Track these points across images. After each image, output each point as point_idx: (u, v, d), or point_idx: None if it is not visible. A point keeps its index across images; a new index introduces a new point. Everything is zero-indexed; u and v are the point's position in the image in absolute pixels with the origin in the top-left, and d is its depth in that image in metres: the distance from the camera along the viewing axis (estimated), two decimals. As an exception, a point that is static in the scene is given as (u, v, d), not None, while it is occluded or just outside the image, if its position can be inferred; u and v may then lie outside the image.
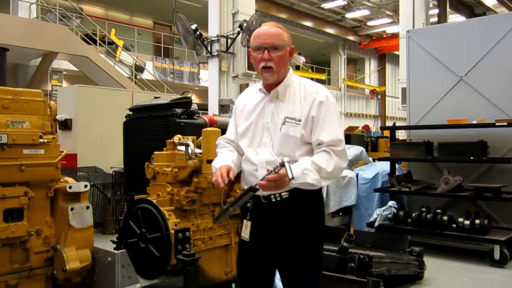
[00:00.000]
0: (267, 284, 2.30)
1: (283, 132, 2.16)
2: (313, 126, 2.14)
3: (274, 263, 2.26)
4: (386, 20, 23.51)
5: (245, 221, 2.23)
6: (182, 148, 3.01)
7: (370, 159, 8.32)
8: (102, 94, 7.92)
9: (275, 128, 2.19)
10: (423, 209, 5.54)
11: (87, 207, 3.35)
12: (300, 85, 2.23)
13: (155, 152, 3.10)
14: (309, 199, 2.18)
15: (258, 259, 2.25)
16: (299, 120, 2.15)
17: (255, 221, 2.21)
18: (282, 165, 1.96)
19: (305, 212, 2.19)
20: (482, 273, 4.79)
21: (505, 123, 5.30)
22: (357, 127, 16.41)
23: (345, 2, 21.17)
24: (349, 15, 22.99)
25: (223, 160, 2.24)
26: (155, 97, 5.99)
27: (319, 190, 2.23)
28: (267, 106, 2.24)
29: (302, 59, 24.20)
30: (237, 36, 9.80)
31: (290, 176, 1.95)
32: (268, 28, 2.23)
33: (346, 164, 2.15)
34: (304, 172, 2.03)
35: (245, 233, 2.22)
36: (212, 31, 9.99)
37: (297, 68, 23.58)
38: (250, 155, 2.24)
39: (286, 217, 2.17)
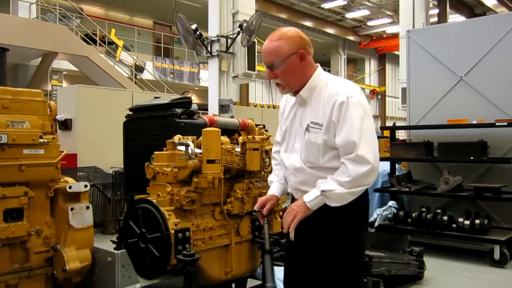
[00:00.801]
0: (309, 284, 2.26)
1: (306, 138, 2.12)
2: (336, 130, 2.04)
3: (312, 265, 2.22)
4: (386, 20, 23.51)
5: None
6: (182, 148, 3.01)
7: (370, 159, 8.32)
8: (102, 94, 7.93)
9: (302, 134, 2.15)
10: (423, 209, 5.54)
11: (87, 207, 3.35)
12: (326, 86, 2.12)
13: (155, 152, 3.10)
14: (342, 207, 2.07)
15: (300, 259, 2.24)
16: (322, 125, 2.07)
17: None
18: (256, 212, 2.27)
19: (337, 218, 2.12)
20: (482, 273, 4.79)
21: (505, 123, 5.30)
22: (357, 127, 16.42)
23: (345, 2, 21.17)
24: (349, 15, 22.99)
25: (272, 189, 2.37)
26: (155, 97, 5.99)
27: (359, 199, 2.11)
28: (298, 110, 2.21)
29: None
30: (237, 36, 9.79)
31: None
32: (267, 44, 2.13)
33: (366, 168, 1.97)
34: (321, 199, 2.03)
35: (291, 233, 2.22)
36: (212, 31, 9.98)
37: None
38: (284, 159, 2.29)
39: (318, 221, 2.13)
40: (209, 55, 9.95)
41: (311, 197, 2.05)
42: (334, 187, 2.00)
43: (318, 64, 2.21)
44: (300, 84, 2.13)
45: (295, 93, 2.19)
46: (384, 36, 25.92)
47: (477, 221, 5.15)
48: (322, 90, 2.11)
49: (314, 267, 2.19)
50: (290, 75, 2.11)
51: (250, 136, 3.36)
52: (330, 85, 2.10)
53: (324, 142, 2.06)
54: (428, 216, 5.39)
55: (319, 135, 2.07)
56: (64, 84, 12.92)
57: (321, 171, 2.09)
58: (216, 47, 9.87)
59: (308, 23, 22.46)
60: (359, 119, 2.00)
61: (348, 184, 1.98)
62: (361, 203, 2.16)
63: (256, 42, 10.18)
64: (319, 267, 2.17)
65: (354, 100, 2.02)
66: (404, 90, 8.98)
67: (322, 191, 2.02)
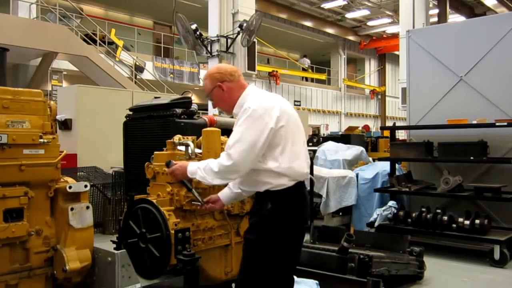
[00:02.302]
0: None
1: None
2: None
3: None
4: (386, 20, 23.52)
5: None
6: (182, 148, 3.01)
7: (370, 159, 8.32)
8: (102, 94, 7.92)
9: None
10: (423, 209, 5.54)
11: (87, 207, 3.35)
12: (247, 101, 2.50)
13: (155, 152, 3.09)
14: (263, 200, 2.42)
15: None
16: None
17: None
18: (168, 164, 2.67)
19: (256, 211, 2.47)
20: (482, 273, 4.79)
21: (505, 123, 5.30)
22: (357, 127, 16.43)
23: (345, 2, 21.17)
24: (349, 15, 23.00)
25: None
26: (155, 97, 5.99)
27: (280, 195, 2.39)
28: None
29: (307, 62, 24.34)
30: (237, 36, 9.81)
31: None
32: None
33: (229, 163, 2.34)
34: (197, 169, 2.48)
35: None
36: (212, 31, 10.00)
37: (303, 69, 23.86)
38: None
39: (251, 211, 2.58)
40: (209, 55, 9.97)
41: (191, 167, 2.53)
42: (202, 173, 2.46)
43: (251, 84, 2.62)
44: (229, 106, 2.57)
45: None
46: (384, 36, 25.92)
47: (477, 221, 5.15)
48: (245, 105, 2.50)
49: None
50: (219, 102, 2.62)
51: (250, 136, 3.35)
52: (248, 100, 2.47)
53: None
54: (428, 216, 5.39)
55: None
56: (64, 84, 12.91)
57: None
58: (216, 47, 9.88)
59: (308, 23, 22.47)
60: (242, 126, 2.36)
61: (215, 171, 2.41)
62: (270, 211, 2.40)
63: (256, 42, 10.19)
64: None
65: (248, 111, 2.37)
66: (404, 90, 8.98)
67: (198, 166, 2.50)
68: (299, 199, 2.46)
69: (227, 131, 3.96)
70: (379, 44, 26.33)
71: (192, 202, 2.85)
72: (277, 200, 2.40)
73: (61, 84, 12.60)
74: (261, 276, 2.41)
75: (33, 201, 3.16)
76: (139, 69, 15.60)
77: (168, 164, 2.70)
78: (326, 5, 21.53)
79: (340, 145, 8.10)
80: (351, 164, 7.51)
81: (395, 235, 4.82)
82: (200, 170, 2.47)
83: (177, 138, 3.07)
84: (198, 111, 5.08)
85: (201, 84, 17.28)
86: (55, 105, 4.11)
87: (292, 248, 2.49)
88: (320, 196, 6.20)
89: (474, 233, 5.14)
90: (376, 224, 5.77)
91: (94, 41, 13.97)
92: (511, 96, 5.65)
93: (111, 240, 3.33)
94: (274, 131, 2.36)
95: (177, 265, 2.71)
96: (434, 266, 4.82)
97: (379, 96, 28.08)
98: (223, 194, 2.78)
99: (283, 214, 2.40)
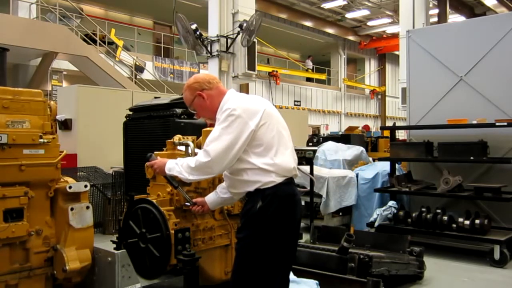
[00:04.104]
0: None
1: None
2: None
3: None
4: (386, 20, 23.51)
5: None
6: (182, 148, 3.02)
7: (370, 159, 8.33)
8: (102, 94, 7.92)
9: None
10: (423, 209, 5.54)
11: (87, 207, 3.35)
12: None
13: (155, 152, 3.10)
14: (254, 199, 2.41)
15: None
16: None
17: None
18: (148, 157, 2.70)
19: (247, 211, 2.44)
20: (482, 273, 4.79)
21: (505, 123, 5.30)
22: (357, 127, 16.44)
23: (345, 2, 21.17)
24: (349, 15, 22.99)
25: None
26: (155, 97, 6.00)
27: (272, 196, 2.37)
28: None
29: (310, 63, 24.38)
30: (237, 36, 9.81)
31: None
32: None
33: (207, 159, 2.35)
34: (174, 165, 2.48)
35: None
36: (212, 31, 10.00)
37: (307, 70, 23.94)
38: None
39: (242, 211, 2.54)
40: (209, 55, 9.97)
41: (169, 163, 2.54)
42: (179, 169, 2.47)
43: (231, 89, 2.62)
44: (212, 113, 2.55)
45: None
46: (384, 36, 25.92)
47: (477, 221, 5.15)
48: None
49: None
50: (202, 111, 2.62)
51: (250, 136, 3.35)
52: (227, 102, 2.49)
53: None
54: (428, 216, 5.39)
55: None
56: (64, 84, 12.91)
57: (233, 174, 2.49)
58: (216, 47, 9.88)
59: (308, 23, 22.46)
60: (220, 126, 2.40)
61: (192, 169, 2.42)
62: (260, 210, 2.39)
63: (256, 42, 10.18)
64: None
65: (226, 112, 2.40)
66: (404, 90, 8.98)
67: (176, 162, 2.51)
68: (289, 196, 2.44)
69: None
70: (379, 44, 26.32)
71: (185, 204, 2.85)
72: (267, 198, 2.38)
73: (61, 84, 12.60)
74: (252, 275, 2.38)
75: (33, 201, 3.16)
76: (139, 69, 15.59)
77: (148, 158, 2.71)
78: (326, 5, 21.52)
79: (340, 145, 8.10)
80: (351, 164, 7.51)
81: (395, 235, 4.82)
82: (178, 165, 2.48)
83: (177, 138, 3.07)
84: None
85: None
86: (55, 105, 4.11)
87: (284, 246, 2.45)
88: (320, 196, 6.20)
89: (474, 233, 5.14)
90: (376, 224, 5.77)
91: (94, 41, 13.96)
92: (511, 96, 5.66)
93: (111, 240, 3.33)
94: (255, 132, 2.37)
95: (177, 265, 2.71)
96: (434, 266, 4.82)
97: (379, 96, 28.07)
98: (209, 199, 2.77)
99: (273, 211, 2.38)
